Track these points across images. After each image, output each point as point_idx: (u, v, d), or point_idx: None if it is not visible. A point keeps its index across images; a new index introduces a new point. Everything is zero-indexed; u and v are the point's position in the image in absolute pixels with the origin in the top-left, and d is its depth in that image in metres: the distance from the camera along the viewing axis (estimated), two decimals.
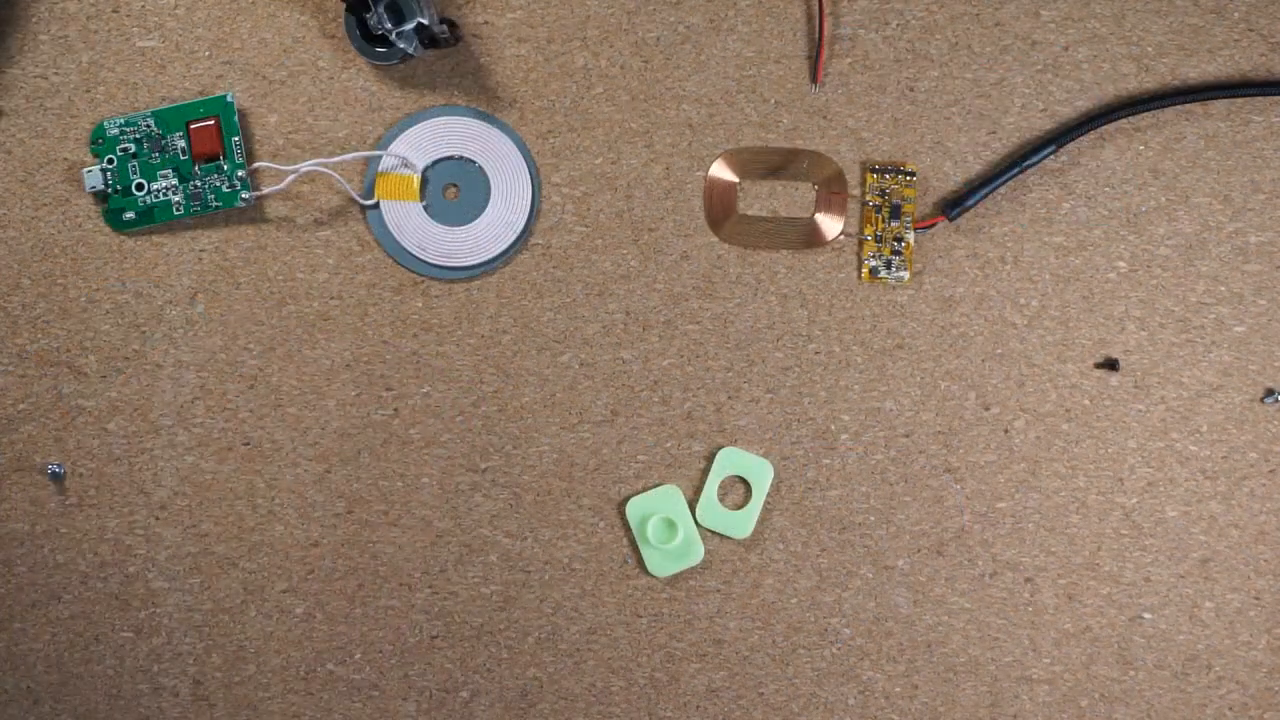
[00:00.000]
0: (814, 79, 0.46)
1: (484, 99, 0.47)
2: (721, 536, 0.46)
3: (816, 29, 0.46)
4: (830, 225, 0.46)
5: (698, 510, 0.46)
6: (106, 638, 0.46)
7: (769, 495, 0.46)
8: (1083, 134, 0.46)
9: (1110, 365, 0.46)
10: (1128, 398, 0.46)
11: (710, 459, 0.46)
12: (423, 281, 0.46)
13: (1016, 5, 0.47)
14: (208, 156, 0.46)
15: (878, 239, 0.46)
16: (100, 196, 0.46)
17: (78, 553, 0.46)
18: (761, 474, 0.46)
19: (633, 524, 0.46)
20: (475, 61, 0.47)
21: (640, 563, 0.46)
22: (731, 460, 0.46)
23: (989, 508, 0.46)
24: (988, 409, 0.46)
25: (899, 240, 0.46)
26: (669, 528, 0.45)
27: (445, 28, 0.44)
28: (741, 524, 0.46)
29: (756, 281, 0.46)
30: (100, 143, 0.46)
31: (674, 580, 0.46)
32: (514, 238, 0.46)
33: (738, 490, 0.46)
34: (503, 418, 0.46)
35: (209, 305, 0.46)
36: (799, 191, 0.47)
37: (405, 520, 0.46)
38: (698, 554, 0.46)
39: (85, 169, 0.45)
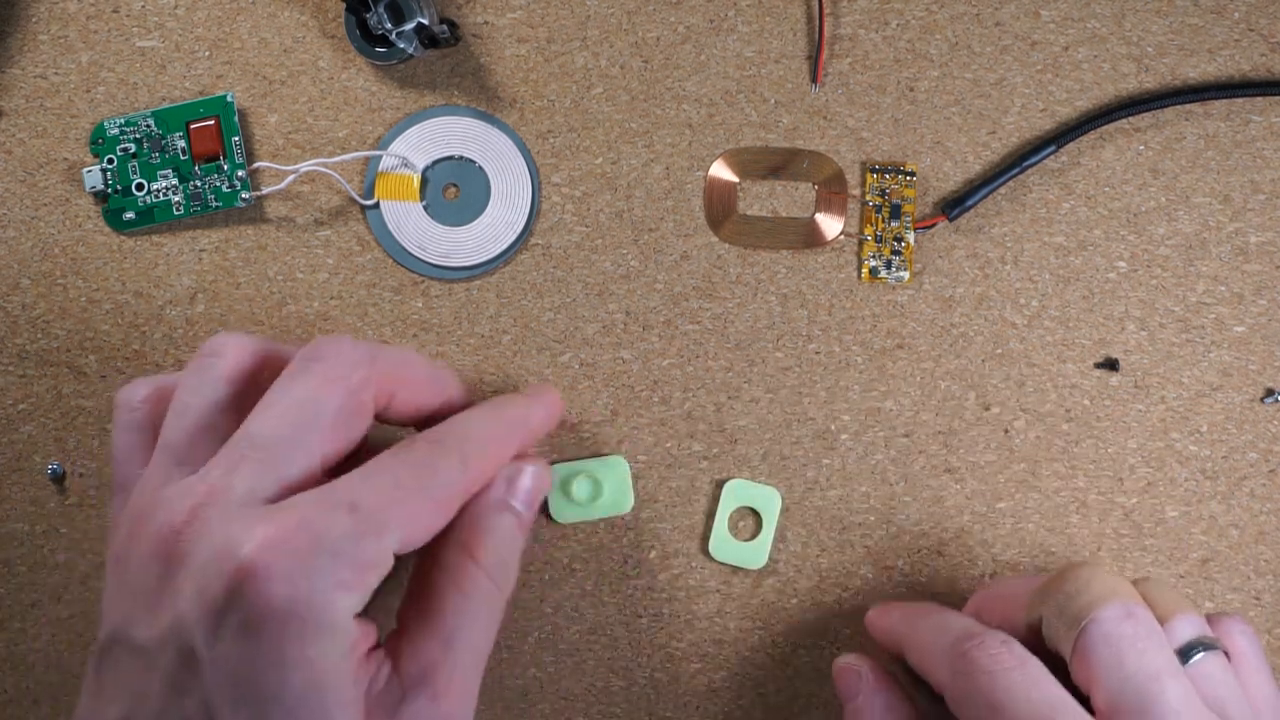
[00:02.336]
0: (814, 79, 0.46)
1: (484, 99, 0.47)
2: (735, 568, 0.46)
3: (816, 29, 0.46)
4: (830, 225, 0.46)
5: (711, 546, 0.46)
6: None
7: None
8: (1083, 134, 0.46)
9: (1110, 365, 0.46)
10: (1128, 398, 0.46)
11: (718, 489, 0.46)
12: (423, 281, 0.46)
13: (1016, 5, 0.47)
14: (208, 156, 0.46)
15: (878, 239, 0.46)
16: (100, 196, 0.46)
17: (78, 553, 0.46)
18: (770, 502, 0.45)
19: (559, 474, 0.45)
20: (475, 61, 0.47)
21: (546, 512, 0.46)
22: (739, 492, 0.46)
23: (989, 508, 0.46)
24: (988, 409, 0.46)
25: (899, 240, 0.46)
26: (594, 486, 0.45)
27: (445, 28, 0.44)
28: (755, 555, 0.45)
29: (756, 281, 0.46)
30: (100, 143, 0.46)
31: (674, 580, 0.46)
32: (514, 238, 0.46)
33: (748, 521, 0.46)
34: None
35: (209, 305, 0.46)
36: (799, 191, 0.47)
37: None
38: (608, 510, 0.45)
39: (85, 169, 0.46)
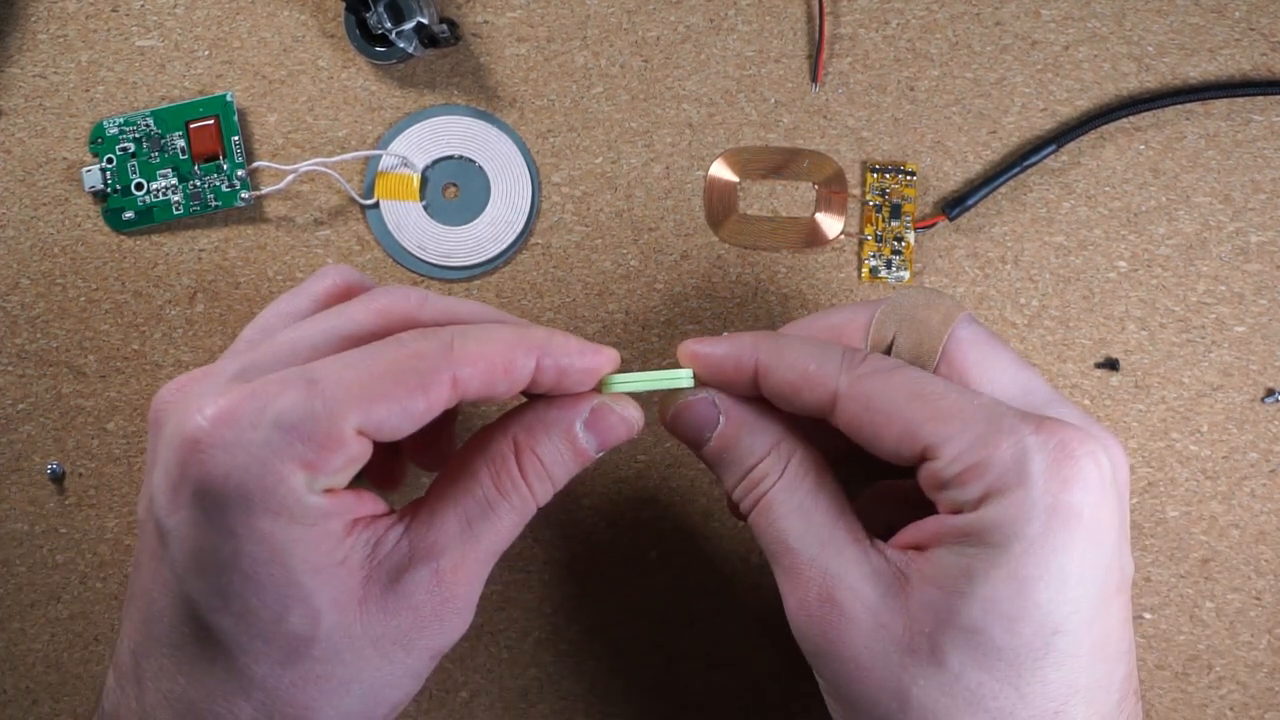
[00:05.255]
0: (814, 79, 0.46)
1: (484, 99, 0.47)
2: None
3: (816, 29, 0.46)
4: (830, 225, 0.46)
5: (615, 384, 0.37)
6: (106, 638, 0.46)
7: None
8: (1083, 134, 0.46)
9: (1110, 365, 0.46)
10: (1128, 398, 0.46)
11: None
12: (423, 281, 0.46)
13: (1016, 5, 0.46)
14: (207, 156, 0.46)
15: (878, 239, 0.46)
16: (99, 196, 0.46)
17: (78, 553, 0.46)
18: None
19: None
20: (475, 61, 0.47)
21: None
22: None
23: None
24: None
25: (899, 240, 0.46)
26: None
27: (445, 27, 0.44)
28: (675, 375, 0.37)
29: (756, 281, 0.46)
30: (99, 142, 0.46)
31: (675, 580, 0.46)
32: (514, 238, 0.46)
33: None
34: None
35: (209, 305, 0.46)
36: (799, 191, 0.47)
37: None
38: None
39: (84, 169, 0.45)
